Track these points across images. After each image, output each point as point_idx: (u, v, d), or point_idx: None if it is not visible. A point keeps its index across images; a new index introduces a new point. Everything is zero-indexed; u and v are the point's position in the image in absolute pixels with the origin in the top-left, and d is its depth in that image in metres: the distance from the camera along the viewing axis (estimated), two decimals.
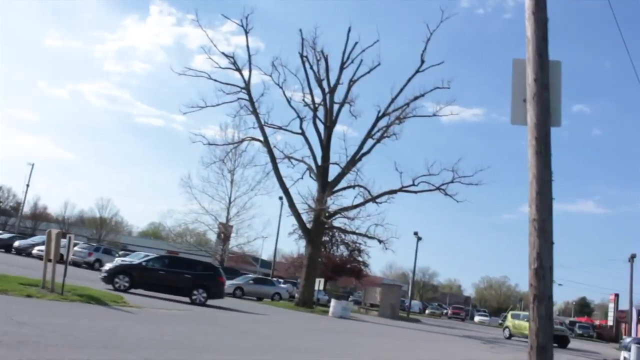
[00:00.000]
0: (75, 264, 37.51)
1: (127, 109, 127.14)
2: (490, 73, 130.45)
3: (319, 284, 36.22)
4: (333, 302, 33.07)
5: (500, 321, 58.14)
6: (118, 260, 28.80)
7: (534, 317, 4.38)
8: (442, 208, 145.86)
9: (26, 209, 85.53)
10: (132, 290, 20.81)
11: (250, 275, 40.78)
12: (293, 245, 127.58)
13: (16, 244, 41.99)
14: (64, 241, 16.71)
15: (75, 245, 37.52)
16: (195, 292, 21.50)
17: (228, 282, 35.47)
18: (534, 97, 4.37)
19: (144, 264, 22.40)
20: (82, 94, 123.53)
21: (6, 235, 45.99)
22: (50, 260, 16.12)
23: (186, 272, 21.91)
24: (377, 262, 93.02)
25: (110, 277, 21.10)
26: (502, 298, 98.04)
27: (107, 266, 22.66)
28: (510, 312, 41.82)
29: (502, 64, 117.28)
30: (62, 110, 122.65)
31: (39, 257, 37.86)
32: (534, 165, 4.39)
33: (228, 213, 52.13)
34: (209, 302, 21.91)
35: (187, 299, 21.35)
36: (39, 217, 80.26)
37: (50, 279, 15.61)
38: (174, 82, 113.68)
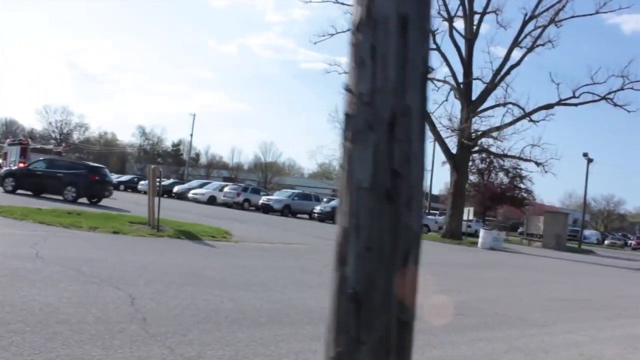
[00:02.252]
0: (226, 204, 39.07)
1: (292, 57, 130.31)
2: None
3: (468, 213, 33.36)
4: (482, 232, 30.21)
5: None
6: (12, 167, 31.35)
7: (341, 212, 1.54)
8: (624, 129, 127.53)
9: (203, 160, 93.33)
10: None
11: None
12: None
13: (175, 189, 45.05)
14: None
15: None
16: (66, 190, 22.65)
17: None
18: None
19: (29, 167, 24.92)
20: (249, 47, 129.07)
21: (167, 182, 49.60)
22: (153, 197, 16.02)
23: (59, 172, 23.24)
24: (554, 191, 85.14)
25: (1, 180, 23.95)
26: None
27: (1, 171, 26.94)
28: None
29: None
30: (233, 65, 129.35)
31: (194, 200, 40.23)
32: None
33: None
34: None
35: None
36: (211, 166, 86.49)
37: (154, 216, 15.54)
38: (334, 25, 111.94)
